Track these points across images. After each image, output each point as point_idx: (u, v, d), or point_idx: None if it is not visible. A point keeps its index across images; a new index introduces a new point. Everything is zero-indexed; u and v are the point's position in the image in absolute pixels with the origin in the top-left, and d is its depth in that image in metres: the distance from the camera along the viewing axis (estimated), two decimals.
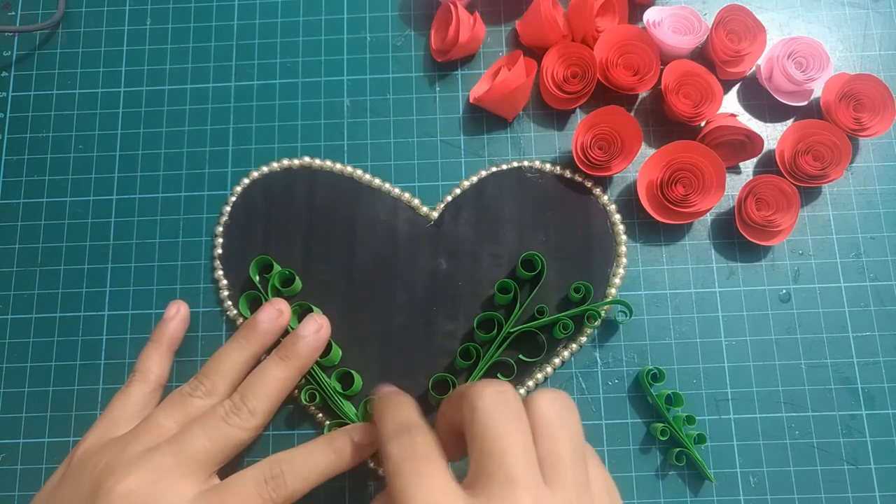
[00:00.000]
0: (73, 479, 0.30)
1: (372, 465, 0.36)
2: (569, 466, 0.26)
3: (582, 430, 0.27)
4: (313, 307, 0.37)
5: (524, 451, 0.25)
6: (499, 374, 0.36)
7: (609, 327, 0.37)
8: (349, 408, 0.35)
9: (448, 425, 0.29)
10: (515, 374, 0.36)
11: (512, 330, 0.36)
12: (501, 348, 0.36)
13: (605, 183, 0.39)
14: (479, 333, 0.36)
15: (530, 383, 0.36)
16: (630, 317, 0.36)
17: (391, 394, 0.31)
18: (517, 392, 0.29)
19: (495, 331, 0.36)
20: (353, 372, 0.36)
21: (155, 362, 0.35)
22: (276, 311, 0.35)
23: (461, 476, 0.26)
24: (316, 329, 0.35)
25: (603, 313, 0.37)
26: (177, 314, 0.36)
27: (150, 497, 0.29)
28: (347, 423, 0.35)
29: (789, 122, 0.40)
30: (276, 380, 0.33)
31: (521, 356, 0.36)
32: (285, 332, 0.36)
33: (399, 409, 0.29)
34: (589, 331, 0.37)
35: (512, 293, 0.36)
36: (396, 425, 0.28)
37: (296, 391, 0.36)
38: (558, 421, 0.27)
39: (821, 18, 0.42)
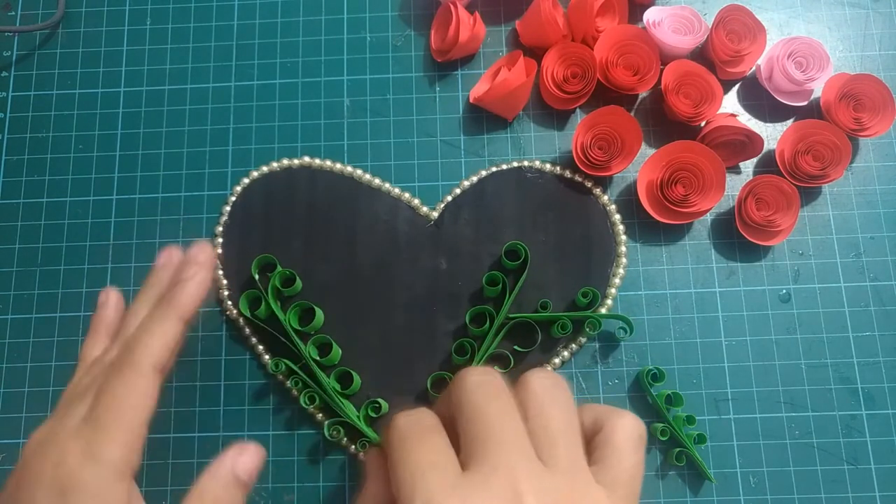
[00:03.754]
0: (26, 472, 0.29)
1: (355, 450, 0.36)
2: (561, 442, 0.26)
3: (574, 407, 0.27)
4: (315, 307, 0.37)
5: (514, 427, 0.25)
6: (495, 367, 0.36)
7: (610, 326, 0.37)
8: (349, 407, 0.35)
9: (445, 422, 0.29)
10: (512, 365, 0.36)
11: (511, 316, 0.36)
12: (498, 338, 0.36)
13: (605, 183, 0.39)
14: (472, 328, 0.36)
15: None
16: (630, 334, 0.36)
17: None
18: (502, 377, 0.29)
19: (488, 324, 0.36)
20: (352, 372, 0.36)
21: (98, 350, 0.34)
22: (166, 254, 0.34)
23: None
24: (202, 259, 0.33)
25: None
26: (107, 300, 0.36)
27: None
28: (347, 422, 0.35)
29: (789, 122, 0.40)
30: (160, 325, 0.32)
31: (516, 347, 0.36)
32: (282, 330, 0.36)
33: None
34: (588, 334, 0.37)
35: (500, 285, 0.36)
36: (407, 412, 0.28)
37: (294, 392, 0.36)
38: (548, 397, 0.27)
39: (821, 18, 0.42)
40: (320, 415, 0.36)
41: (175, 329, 0.31)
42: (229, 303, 0.38)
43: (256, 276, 0.37)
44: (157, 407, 0.30)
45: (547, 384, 0.27)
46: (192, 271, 0.32)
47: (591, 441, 0.27)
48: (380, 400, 0.36)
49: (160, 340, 0.31)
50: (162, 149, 0.41)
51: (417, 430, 0.27)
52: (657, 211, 0.38)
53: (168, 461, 0.36)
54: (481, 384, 0.27)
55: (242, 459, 0.31)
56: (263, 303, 0.36)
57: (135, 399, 0.29)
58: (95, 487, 0.27)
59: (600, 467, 0.27)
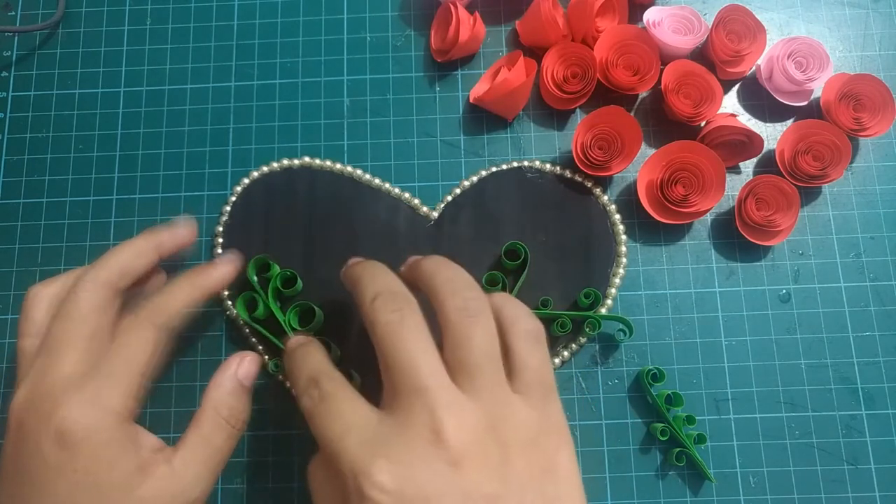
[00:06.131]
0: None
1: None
2: (481, 371, 0.26)
3: (492, 325, 0.27)
4: (315, 307, 0.37)
5: (428, 358, 0.26)
6: None
7: (609, 327, 0.37)
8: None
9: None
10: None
11: None
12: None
13: (605, 183, 0.39)
14: None
15: None
16: (629, 336, 0.36)
17: (298, 348, 0.31)
18: (410, 296, 0.28)
19: None
20: (352, 371, 0.36)
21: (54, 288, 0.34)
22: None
23: None
24: (231, 259, 0.35)
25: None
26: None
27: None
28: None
29: (789, 122, 0.40)
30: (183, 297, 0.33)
31: None
32: (279, 328, 0.36)
33: (306, 361, 0.30)
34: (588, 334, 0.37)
35: (500, 285, 0.36)
36: (305, 378, 0.29)
37: (293, 392, 0.36)
38: (467, 325, 0.27)
39: (821, 18, 0.42)
40: None
41: (192, 296, 0.32)
42: (229, 303, 0.38)
43: (255, 278, 0.37)
44: (158, 368, 0.31)
45: (467, 310, 0.27)
46: (227, 258, 0.34)
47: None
48: None
49: (176, 303, 0.32)
50: (162, 149, 0.41)
51: (325, 405, 0.27)
52: (657, 211, 0.38)
53: None
54: (394, 314, 0.27)
55: (244, 366, 0.32)
56: (261, 304, 0.36)
57: (143, 354, 0.30)
58: (98, 432, 0.28)
59: (511, 375, 0.27)
